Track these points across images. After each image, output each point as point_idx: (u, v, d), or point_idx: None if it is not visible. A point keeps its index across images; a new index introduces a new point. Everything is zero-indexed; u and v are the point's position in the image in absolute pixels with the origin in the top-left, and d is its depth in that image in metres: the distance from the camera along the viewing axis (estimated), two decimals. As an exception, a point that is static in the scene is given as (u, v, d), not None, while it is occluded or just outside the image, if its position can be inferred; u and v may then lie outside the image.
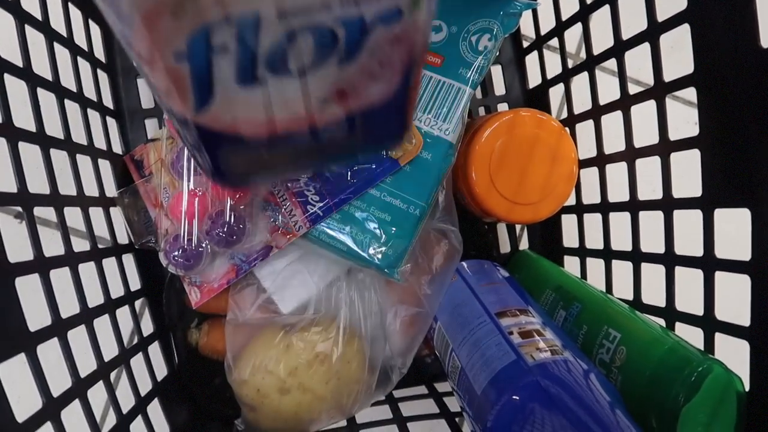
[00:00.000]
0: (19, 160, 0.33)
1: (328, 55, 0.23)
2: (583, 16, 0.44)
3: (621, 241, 0.44)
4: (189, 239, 0.41)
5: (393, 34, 0.23)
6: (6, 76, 0.33)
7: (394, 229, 0.40)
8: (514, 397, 0.31)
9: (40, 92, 0.36)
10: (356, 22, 0.22)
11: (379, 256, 0.40)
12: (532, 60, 0.54)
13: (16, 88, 0.33)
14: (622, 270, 0.43)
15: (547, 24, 0.49)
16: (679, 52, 0.35)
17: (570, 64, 0.48)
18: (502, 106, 0.56)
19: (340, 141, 0.29)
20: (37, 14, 0.38)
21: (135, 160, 0.47)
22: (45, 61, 0.38)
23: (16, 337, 0.29)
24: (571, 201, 0.49)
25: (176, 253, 0.41)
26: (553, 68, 0.50)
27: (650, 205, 0.40)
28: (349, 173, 0.41)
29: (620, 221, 0.43)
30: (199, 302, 0.43)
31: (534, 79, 0.54)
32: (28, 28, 0.36)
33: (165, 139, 0.45)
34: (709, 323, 0.34)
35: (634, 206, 0.41)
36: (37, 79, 0.36)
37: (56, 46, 0.39)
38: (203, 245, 0.41)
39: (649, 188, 0.41)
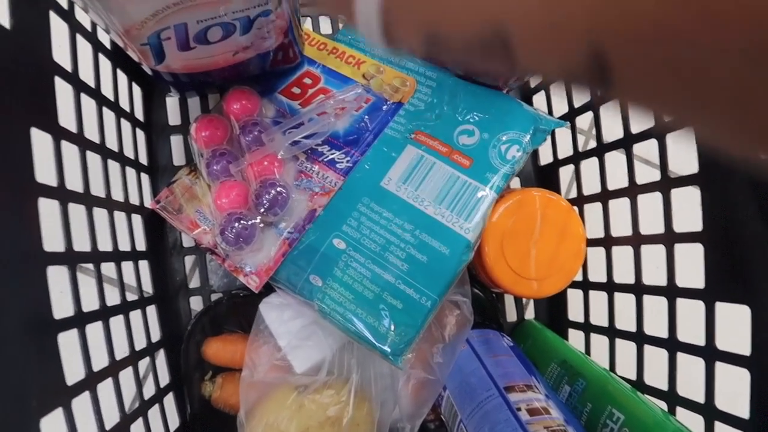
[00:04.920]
0: (67, 219, 0.35)
1: (232, 34, 0.40)
2: (594, 106, 0.47)
3: (626, 320, 0.45)
4: (240, 217, 0.44)
5: (269, 20, 0.41)
6: (63, 142, 0.35)
7: (403, 317, 0.41)
8: (522, 475, 0.32)
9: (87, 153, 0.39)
10: (246, 18, 0.39)
11: (386, 342, 0.41)
12: (544, 139, 0.57)
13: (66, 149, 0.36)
14: (626, 348, 0.45)
15: (561, 107, 0.52)
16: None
17: (581, 141, 0.51)
18: (514, 181, 0.58)
19: (253, 68, 0.48)
20: (91, 82, 0.41)
21: (162, 205, 0.49)
22: (93, 124, 0.41)
23: (56, 392, 0.30)
24: (578, 276, 0.51)
25: (230, 229, 0.43)
26: (565, 146, 0.53)
27: (655, 290, 0.42)
28: (363, 125, 0.48)
29: (626, 299, 0.45)
30: (260, 285, 0.45)
31: (545, 157, 0.57)
32: (83, 96, 0.39)
33: (185, 175, 0.50)
34: (709, 411, 0.35)
35: (638, 289, 0.43)
36: (87, 143, 0.39)
37: (104, 109, 0.42)
38: (254, 220, 0.44)
39: (656, 270, 0.43)
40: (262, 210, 0.45)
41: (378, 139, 0.47)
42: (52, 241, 0.33)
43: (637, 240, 0.43)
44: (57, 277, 0.33)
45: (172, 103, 0.54)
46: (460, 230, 0.43)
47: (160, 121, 0.54)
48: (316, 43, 0.53)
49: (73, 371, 0.33)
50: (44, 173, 0.33)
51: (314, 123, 0.47)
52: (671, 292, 0.40)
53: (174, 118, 0.54)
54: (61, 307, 0.33)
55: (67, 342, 0.33)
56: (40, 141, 0.33)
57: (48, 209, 0.34)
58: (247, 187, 0.46)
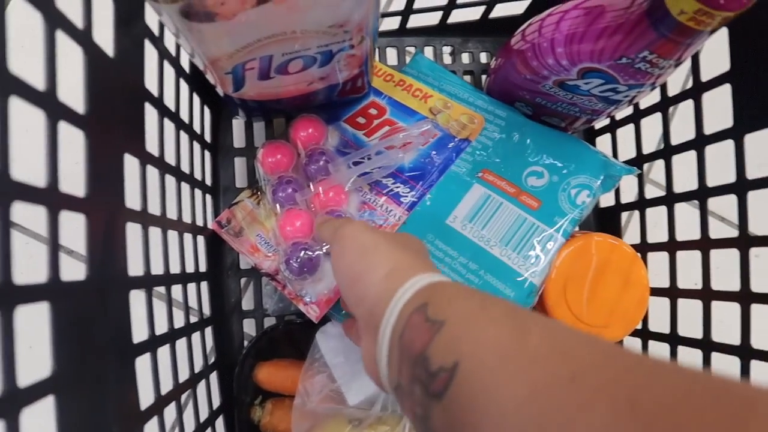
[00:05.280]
0: (147, 243, 0.35)
1: (312, 65, 0.41)
2: (666, 155, 0.46)
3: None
4: (305, 247, 0.45)
5: (348, 54, 0.41)
6: (148, 167, 0.36)
7: None
8: None
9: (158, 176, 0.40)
10: (328, 52, 0.40)
11: None
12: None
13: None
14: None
15: (628, 151, 0.52)
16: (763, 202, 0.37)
17: (646, 186, 0.50)
18: (572, 221, 0.58)
19: (322, 98, 0.48)
20: (172, 106, 0.41)
21: (222, 225, 0.50)
22: (171, 147, 0.42)
23: (132, 417, 0.30)
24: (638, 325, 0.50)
25: (295, 258, 0.44)
26: (629, 189, 0.52)
27: (725, 348, 0.40)
28: (429, 161, 0.48)
29: (692, 354, 0.44)
30: (320, 315, 0.45)
31: (606, 199, 0.56)
32: (166, 121, 0.40)
33: (247, 198, 0.50)
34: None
35: (707, 346, 0.42)
36: (166, 166, 0.39)
37: (180, 132, 0.43)
38: (319, 251, 0.45)
39: (726, 328, 0.42)
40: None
41: (444, 176, 0.47)
42: (132, 264, 0.33)
43: (707, 296, 0.42)
44: (133, 300, 0.33)
45: (237, 125, 0.55)
46: (526, 273, 0.43)
47: (225, 143, 0.55)
48: (383, 75, 0.54)
49: (144, 395, 0.33)
50: (130, 197, 0.33)
51: (382, 157, 0.47)
52: (745, 353, 0.39)
53: (239, 140, 0.55)
54: (135, 330, 0.33)
55: (139, 366, 0.33)
56: (128, 165, 0.34)
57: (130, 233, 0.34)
58: (312, 216, 0.47)
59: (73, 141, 0.27)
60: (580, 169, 0.45)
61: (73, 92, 0.27)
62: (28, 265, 0.28)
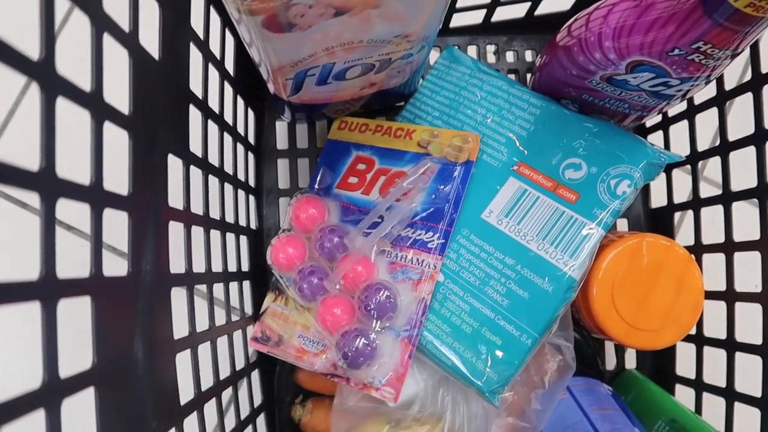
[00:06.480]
0: (189, 243, 0.36)
1: (368, 72, 0.41)
2: (722, 152, 0.44)
3: (747, 382, 0.42)
4: (358, 333, 0.41)
5: (406, 62, 0.41)
6: (191, 167, 0.37)
7: (502, 354, 0.40)
8: None
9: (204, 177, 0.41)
10: (386, 60, 0.40)
11: (483, 378, 0.40)
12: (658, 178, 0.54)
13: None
14: (746, 413, 0.41)
15: (681, 148, 0.49)
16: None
17: (687, 183, 0.48)
18: (621, 222, 0.56)
19: (372, 99, 0.49)
20: (216, 108, 0.42)
21: (260, 340, 0.47)
22: (215, 148, 0.43)
23: (172, 412, 0.31)
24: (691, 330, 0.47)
25: (353, 349, 0.40)
26: (682, 189, 0.50)
27: (788, 356, 0.38)
28: (438, 196, 0.45)
29: (749, 360, 0.42)
30: (397, 395, 0.41)
31: (658, 199, 0.54)
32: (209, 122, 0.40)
33: (272, 302, 0.48)
34: None
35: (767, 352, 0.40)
36: (210, 167, 0.40)
37: (224, 134, 0.44)
38: (372, 334, 0.41)
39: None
40: (374, 320, 0.42)
41: (478, 168, 0.46)
42: (174, 262, 0.34)
43: (768, 299, 0.40)
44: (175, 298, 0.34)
45: (281, 128, 0.56)
46: (565, 267, 0.42)
47: (268, 145, 0.55)
48: (357, 126, 0.51)
49: (184, 390, 0.34)
50: (173, 197, 0.34)
51: (395, 212, 0.44)
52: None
53: (282, 142, 0.56)
54: (176, 328, 0.34)
55: (179, 361, 0.33)
56: (172, 165, 0.34)
57: (173, 231, 0.35)
58: (347, 299, 0.44)
59: (113, 139, 0.28)
60: (620, 158, 0.43)
61: (118, 93, 0.28)
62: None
